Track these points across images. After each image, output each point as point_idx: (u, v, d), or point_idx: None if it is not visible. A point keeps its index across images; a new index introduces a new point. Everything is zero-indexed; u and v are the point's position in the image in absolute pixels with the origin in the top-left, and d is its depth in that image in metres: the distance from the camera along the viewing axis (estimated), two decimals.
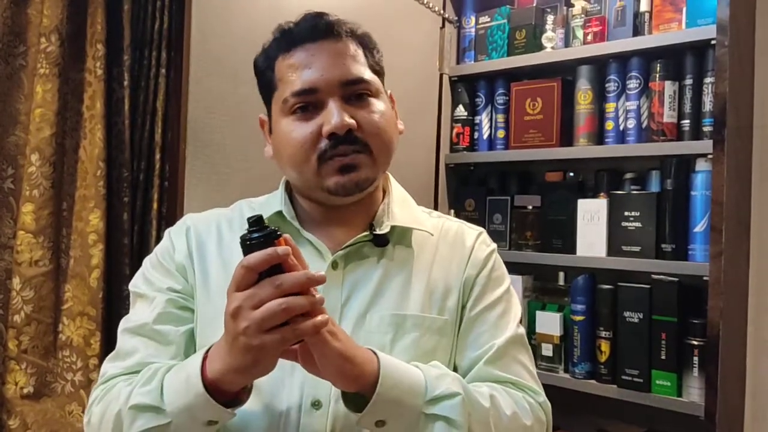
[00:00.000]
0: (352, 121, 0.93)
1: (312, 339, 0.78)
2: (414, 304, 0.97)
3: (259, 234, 0.76)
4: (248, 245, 0.76)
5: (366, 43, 1.01)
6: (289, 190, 1.04)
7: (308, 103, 0.94)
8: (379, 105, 0.98)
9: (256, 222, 0.77)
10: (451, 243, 1.05)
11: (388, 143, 0.98)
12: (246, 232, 0.77)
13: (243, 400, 0.84)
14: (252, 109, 1.59)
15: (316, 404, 0.89)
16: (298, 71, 0.95)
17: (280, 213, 1.00)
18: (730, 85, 1.58)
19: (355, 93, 0.96)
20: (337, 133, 0.92)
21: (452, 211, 2.19)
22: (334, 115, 0.92)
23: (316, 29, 0.97)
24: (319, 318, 0.76)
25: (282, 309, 0.73)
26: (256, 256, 0.75)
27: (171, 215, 1.53)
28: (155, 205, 1.60)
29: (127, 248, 1.58)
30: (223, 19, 1.54)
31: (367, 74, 0.98)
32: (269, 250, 0.75)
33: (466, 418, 0.85)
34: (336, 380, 0.83)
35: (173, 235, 1.02)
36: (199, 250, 0.99)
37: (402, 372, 0.85)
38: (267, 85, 1.01)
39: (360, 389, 0.83)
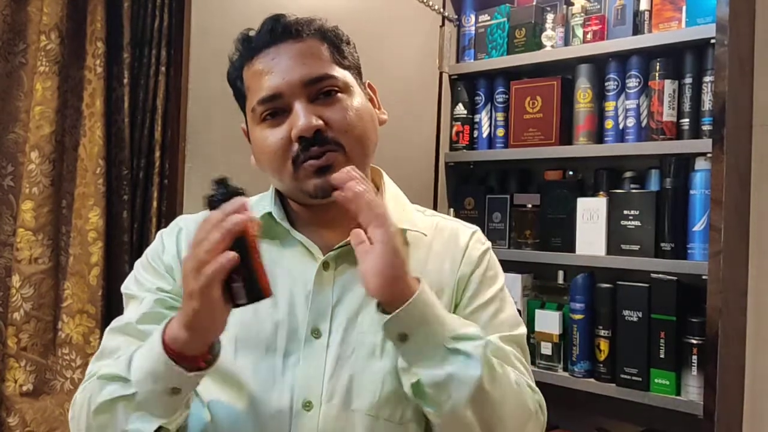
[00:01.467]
0: (319, 122, 0.92)
1: (378, 220, 0.81)
2: None
3: (223, 191, 0.79)
4: (211, 202, 0.79)
5: (332, 39, 0.99)
6: (279, 191, 1.04)
7: (276, 109, 0.94)
8: (348, 100, 0.96)
9: (220, 182, 0.79)
10: (446, 241, 1.04)
11: (362, 138, 0.96)
12: (210, 191, 0.79)
13: (204, 367, 0.82)
14: None
15: (307, 405, 0.89)
16: (262, 78, 0.94)
17: (270, 214, 1.00)
18: (729, 84, 1.58)
19: (321, 91, 0.94)
20: (305, 136, 0.91)
21: (452, 209, 2.19)
22: (300, 118, 0.91)
23: (274, 32, 0.96)
24: (237, 217, 0.76)
25: (221, 231, 0.75)
26: (214, 212, 0.77)
27: (170, 213, 1.54)
28: (155, 203, 1.61)
29: (127, 246, 1.58)
30: (223, 17, 1.54)
31: (333, 70, 0.96)
32: (225, 205, 0.77)
33: (485, 360, 0.85)
34: (383, 272, 0.82)
35: (165, 236, 1.02)
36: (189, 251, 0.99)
37: (436, 305, 0.86)
38: (239, 95, 1.01)
39: (393, 299, 0.82)
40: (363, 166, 0.97)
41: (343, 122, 0.94)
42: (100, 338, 1.52)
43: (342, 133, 0.93)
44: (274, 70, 0.94)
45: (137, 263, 1.02)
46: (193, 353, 0.80)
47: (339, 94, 0.95)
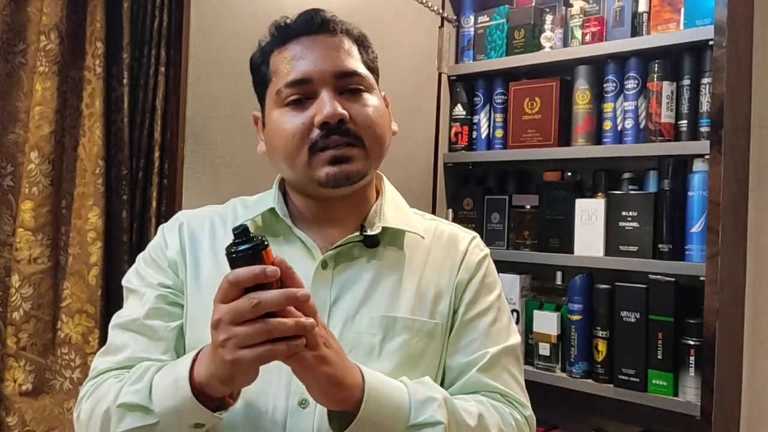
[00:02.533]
0: (344, 111, 0.93)
1: (296, 362, 0.77)
2: (404, 306, 0.96)
3: (246, 246, 0.74)
4: (233, 257, 0.75)
5: (361, 42, 1.01)
6: (283, 188, 1.05)
7: (301, 95, 0.95)
8: (372, 99, 0.97)
9: (241, 233, 0.75)
10: (444, 246, 1.04)
11: (381, 138, 0.98)
12: (231, 243, 0.75)
13: (230, 405, 0.84)
14: (251, 108, 1.60)
15: (303, 403, 0.89)
16: (292, 62, 0.96)
17: (272, 210, 1.00)
18: (727, 86, 1.59)
19: (348, 86, 0.96)
20: (329, 123, 0.92)
21: (450, 210, 2.19)
22: (327, 105, 0.92)
23: (312, 23, 0.97)
24: (296, 342, 0.74)
25: (261, 330, 0.73)
26: (242, 272, 0.73)
27: (170, 213, 1.54)
28: (154, 203, 1.61)
29: (126, 246, 1.59)
30: (223, 18, 1.55)
31: (361, 69, 0.98)
32: (257, 268, 0.73)
33: None
34: (321, 400, 0.82)
35: (166, 231, 1.02)
36: (192, 247, 0.99)
37: (387, 395, 0.85)
38: (262, 79, 1.01)
39: (344, 409, 0.83)
40: (376, 166, 0.99)
41: (367, 118, 0.95)
42: (100, 338, 1.53)
43: (365, 128, 0.95)
44: (307, 57, 0.95)
45: (139, 257, 1.03)
46: (222, 395, 0.81)
47: (364, 93, 0.97)
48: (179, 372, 0.82)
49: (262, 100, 1.03)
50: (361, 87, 0.97)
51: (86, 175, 1.53)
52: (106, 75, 1.56)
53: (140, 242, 1.60)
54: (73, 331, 1.52)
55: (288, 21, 0.99)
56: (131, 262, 1.55)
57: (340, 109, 0.92)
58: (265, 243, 0.75)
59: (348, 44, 0.98)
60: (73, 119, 1.54)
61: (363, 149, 0.95)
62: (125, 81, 1.58)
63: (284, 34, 0.98)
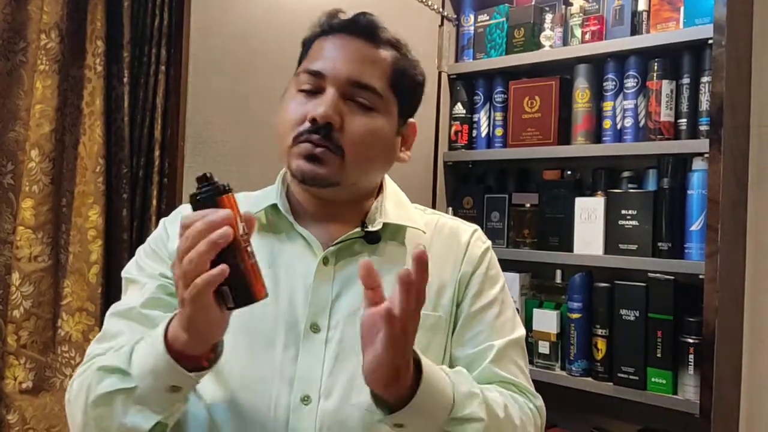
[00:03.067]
0: (335, 118, 0.93)
1: (390, 338, 0.76)
2: None
3: (207, 188, 0.75)
4: (196, 202, 0.75)
5: (403, 66, 1.00)
6: (286, 184, 1.05)
7: (313, 86, 0.96)
8: (376, 121, 0.97)
9: (203, 178, 0.75)
10: (446, 240, 1.05)
11: (364, 158, 0.97)
12: (195, 189, 0.76)
13: (205, 367, 0.82)
14: (251, 106, 1.61)
15: (306, 399, 0.90)
16: (320, 53, 0.97)
17: (275, 206, 1.00)
18: (726, 85, 1.59)
19: (355, 97, 0.96)
20: (317, 120, 0.93)
21: (450, 208, 2.19)
22: (322, 104, 0.93)
23: (355, 25, 0.98)
24: (219, 231, 0.72)
25: (207, 246, 0.71)
26: (190, 215, 0.74)
27: (170, 212, 1.53)
28: (154, 202, 1.61)
29: (126, 244, 1.59)
30: (223, 17, 1.55)
31: (379, 87, 0.97)
32: (206, 212, 0.73)
33: None
34: (374, 385, 0.81)
35: (167, 223, 1.03)
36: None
37: (435, 387, 0.84)
38: (300, 60, 1.03)
39: (390, 395, 0.81)
40: (354, 180, 0.98)
41: (356, 135, 0.95)
42: None
43: (349, 143, 0.94)
44: (333, 54, 0.97)
45: (139, 249, 1.03)
46: (195, 353, 0.80)
47: (371, 111, 0.96)
48: (155, 333, 0.81)
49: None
50: (369, 104, 0.96)
51: (87, 174, 1.54)
52: (106, 73, 1.56)
53: (140, 240, 1.60)
54: (74, 329, 1.52)
55: (339, 14, 1.01)
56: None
57: (331, 113, 0.93)
58: (226, 188, 0.75)
59: (382, 61, 0.98)
60: (74, 118, 1.54)
61: (341, 159, 0.94)
62: (126, 79, 1.58)
63: (331, 24, 1.00)
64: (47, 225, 1.49)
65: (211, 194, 0.75)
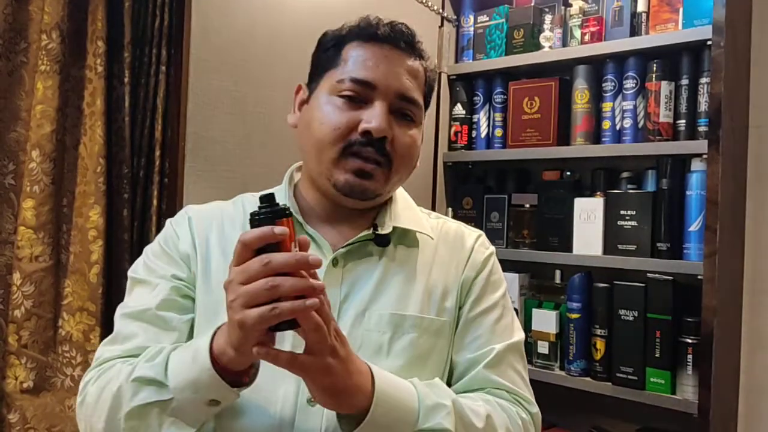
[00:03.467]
0: (390, 132, 0.95)
1: (299, 369, 0.77)
2: (413, 304, 0.98)
3: (267, 210, 0.76)
4: (254, 220, 0.76)
5: (430, 77, 1.04)
6: (293, 185, 1.05)
7: (359, 95, 0.96)
8: (416, 132, 1.00)
9: (266, 198, 0.76)
10: (451, 244, 1.06)
11: (407, 169, 1.01)
12: (257, 208, 0.77)
13: (246, 382, 0.83)
14: (251, 106, 1.61)
15: (312, 401, 0.90)
16: (366, 62, 0.97)
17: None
18: (725, 86, 1.59)
19: (402, 110, 0.98)
20: (372, 135, 0.94)
21: (450, 209, 2.20)
22: (378, 118, 0.94)
23: (400, 38, 0.99)
24: (303, 302, 0.73)
25: (268, 287, 0.72)
26: (252, 232, 0.74)
27: (170, 212, 1.54)
28: (155, 202, 1.62)
29: (127, 244, 1.59)
30: (223, 17, 1.55)
31: (420, 101, 1.01)
32: (264, 228, 0.74)
33: None
34: (325, 406, 0.83)
35: (175, 225, 1.03)
36: (202, 242, 0.99)
37: (396, 398, 0.85)
38: (327, 59, 1.01)
39: (351, 413, 0.83)
40: (391, 190, 1.02)
41: (404, 147, 0.98)
42: (101, 335, 1.54)
43: (399, 155, 0.97)
44: (381, 65, 0.97)
45: (147, 249, 1.02)
46: (238, 369, 0.81)
47: (412, 124, 1.00)
48: (199, 345, 0.82)
49: (315, 76, 1.02)
50: (413, 116, 0.99)
51: (87, 174, 1.54)
52: (107, 74, 1.56)
53: (141, 240, 1.61)
54: (74, 328, 1.52)
55: (380, 22, 1.00)
56: (132, 260, 1.56)
57: (386, 127, 0.94)
58: (287, 212, 0.76)
59: (420, 73, 1.01)
60: (75, 118, 1.55)
61: (388, 172, 0.97)
62: (126, 80, 1.59)
63: (371, 32, 0.99)
64: (48, 225, 1.50)
65: (270, 216, 0.75)
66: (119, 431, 0.84)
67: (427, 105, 1.05)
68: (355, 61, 0.97)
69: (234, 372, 0.81)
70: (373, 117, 0.94)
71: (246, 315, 0.73)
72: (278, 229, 0.74)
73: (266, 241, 0.74)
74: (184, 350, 0.84)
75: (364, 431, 0.82)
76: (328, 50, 1.01)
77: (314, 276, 0.76)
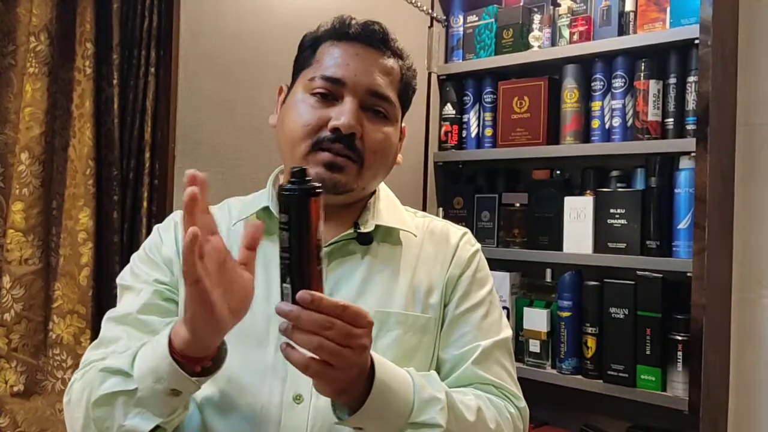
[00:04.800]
0: (358, 128, 0.96)
1: (310, 372, 0.77)
2: (398, 301, 0.98)
3: (298, 187, 0.74)
4: (285, 196, 0.74)
5: (408, 75, 1.05)
6: (277, 186, 1.06)
7: (330, 92, 0.97)
8: (388, 129, 1.01)
9: (298, 172, 0.75)
10: (436, 242, 1.06)
11: (381, 166, 1.01)
12: (288, 182, 0.75)
13: (207, 373, 0.82)
14: (241, 108, 1.61)
15: (298, 398, 0.90)
16: (337, 60, 0.98)
17: (267, 208, 1.01)
18: (713, 84, 1.60)
19: (374, 106, 0.98)
20: (340, 131, 0.95)
21: (441, 209, 2.20)
22: (346, 114, 0.95)
23: (372, 36, 1.00)
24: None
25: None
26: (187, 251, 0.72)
27: (161, 214, 1.54)
28: (145, 204, 1.61)
29: (117, 247, 1.59)
30: (213, 18, 1.55)
31: (393, 97, 1.01)
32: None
33: None
34: (327, 396, 0.82)
35: (161, 230, 1.04)
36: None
37: (393, 390, 0.84)
38: (304, 60, 1.03)
39: (349, 402, 0.83)
40: (366, 186, 1.01)
41: (375, 143, 0.98)
42: (91, 338, 1.53)
43: (369, 152, 0.98)
44: (351, 63, 0.98)
45: (134, 256, 1.04)
46: (196, 354, 0.80)
47: (385, 120, 1.00)
48: (160, 335, 0.82)
49: (293, 77, 1.05)
50: (385, 113, 1.00)
51: (77, 176, 1.53)
52: (96, 76, 1.56)
53: (131, 243, 1.60)
54: (65, 331, 1.52)
55: (352, 21, 1.01)
56: (122, 262, 1.56)
57: (354, 123, 0.95)
58: (318, 190, 0.75)
59: (394, 71, 1.02)
60: (63, 120, 1.54)
61: (359, 168, 0.97)
62: (115, 82, 1.58)
63: (343, 32, 1.01)
64: (37, 228, 1.49)
65: (301, 194, 0.74)
66: (90, 421, 0.85)
67: (406, 104, 1.06)
68: (327, 60, 0.99)
69: (193, 358, 0.80)
70: (342, 114, 0.95)
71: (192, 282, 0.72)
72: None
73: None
74: (150, 342, 0.84)
75: (358, 419, 0.82)
76: (305, 51, 1.04)
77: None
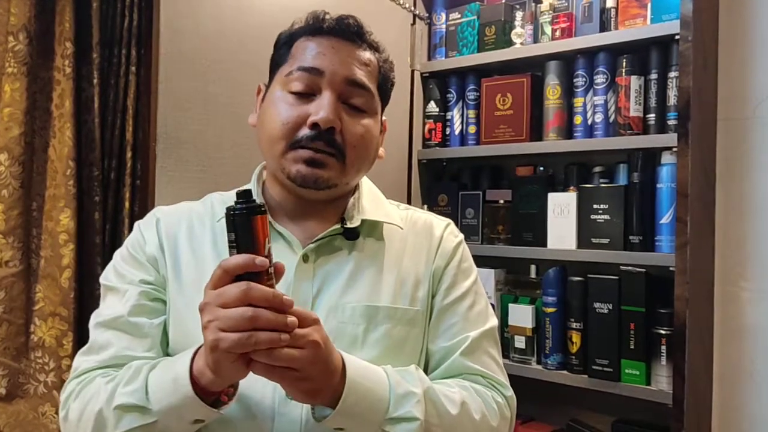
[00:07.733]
0: (337, 122, 0.95)
1: (277, 377, 0.79)
2: (386, 295, 0.98)
3: (242, 206, 0.77)
4: (230, 215, 0.77)
5: (385, 67, 1.04)
6: (261, 182, 1.05)
7: (307, 85, 0.96)
8: (368, 122, 1.00)
9: (243, 194, 0.77)
10: (420, 234, 1.06)
11: (362, 160, 1.00)
12: (233, 203, 0.77)
13: (224, 402, 0.84)
14: (222, 106, 1.60)
15: (290, 397, 0.90)
16: (313, 53, 0.98)
17: None
18: (694, 79, 1.62)
19: (352, 97, 0.98)
20: (319, 126, 0.94)
21: (425, 206, 2.20)
22: (325, 108, 0.94)
23: (347, 29, 0.99)
24: (279, 335, 0.75)
25: (248, 317, 0.73)
26: (233, 259, 0.76)
27: (143, 213, 1.51)
28: (127, 204, 1.60)
29: (99, 248, 1.57)
30: (193, 17, 1.54)
31: (372, 88, 1.00)
32: (246, 257, 0.75)
33: None
34: (299, 401, 0.85)
35: (143, 227, 1.03)
36: (170, 243, 1.00)
37: (367, 388, 0.86)
38: (280, 57, 1.02)
39: (324, 403, 0.85)
40: (349, 181, 1.01)
41: (355, 137, 0.97)
42: (74, 341, 1.52)
43: (350, 146, 0.97)
44: (328, 55, 0.97)
45: (117, 255, 1.02)
46: (218, 390, 0.82)
47: (364, 113, 0.99)
48: (179, 370, 0.83)
49: (270, 75, 1.04)
50: (363, 106, 0.99)
51: (57, 177, 1.52)
52: (75, 75, 1.54)
53: (113, 243, 1.59)
54: (47, 334, 1.50)
55: (326, 16, 1.01)
56: (104, 263, 1.54)
57: (333, 117, 0.94)
58: (262, 209, 0.77)
59: (372, 63, 1.01)
60: (43, 120, 1.53)
61: (342, 163, 0.97)
62: (95, 81, 1.57)
63: (317, 26, 1.00)
64: (18, 229, 1.47)
65: (245, 213, 0.76)
66: None
67: (385, 97, 1.06)
68: (303, 54, 0.98)
69: (214, 392, 0.82)
70: (320, 108, 0.94)
71: (222, 337, 0.74)
72: (259, 260, 0.75)
73: (247, 269, 0.75)
74: (163, 371, 0.85)
75: (336, 419, 0.84)
76: (280, 48, 1.03)
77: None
